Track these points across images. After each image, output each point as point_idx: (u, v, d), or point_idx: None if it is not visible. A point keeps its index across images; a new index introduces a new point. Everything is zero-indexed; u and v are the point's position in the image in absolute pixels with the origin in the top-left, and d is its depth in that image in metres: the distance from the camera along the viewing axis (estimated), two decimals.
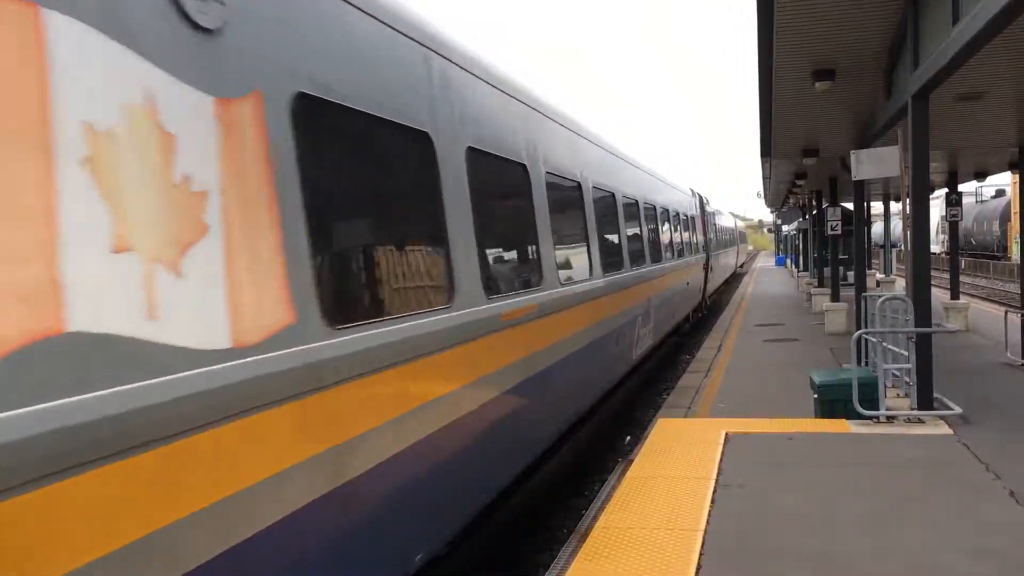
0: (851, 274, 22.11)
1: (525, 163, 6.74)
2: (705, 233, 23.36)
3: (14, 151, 2.22)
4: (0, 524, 2.10)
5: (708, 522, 5.68)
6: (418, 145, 4.75)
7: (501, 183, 6.41)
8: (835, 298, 18.27)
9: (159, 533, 2.56)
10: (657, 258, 13.56)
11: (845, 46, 8.88)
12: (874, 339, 9.90)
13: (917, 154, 8.41)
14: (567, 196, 8.18)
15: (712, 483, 6.56)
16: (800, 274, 35.05)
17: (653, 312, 12.75)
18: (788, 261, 52.34)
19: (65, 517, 2.27)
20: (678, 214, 17.32)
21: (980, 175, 20.35)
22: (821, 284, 23.11)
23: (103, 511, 2.38)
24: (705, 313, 24.29)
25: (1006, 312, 13.80)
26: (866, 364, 10.93)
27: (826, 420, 8.59)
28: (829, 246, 19.86)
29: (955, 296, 17.69)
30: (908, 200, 8.81)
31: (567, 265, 7.83)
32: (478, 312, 5.22)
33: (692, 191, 21.52)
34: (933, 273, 14.32)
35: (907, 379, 9.01)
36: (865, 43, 8.89)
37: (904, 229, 9.15)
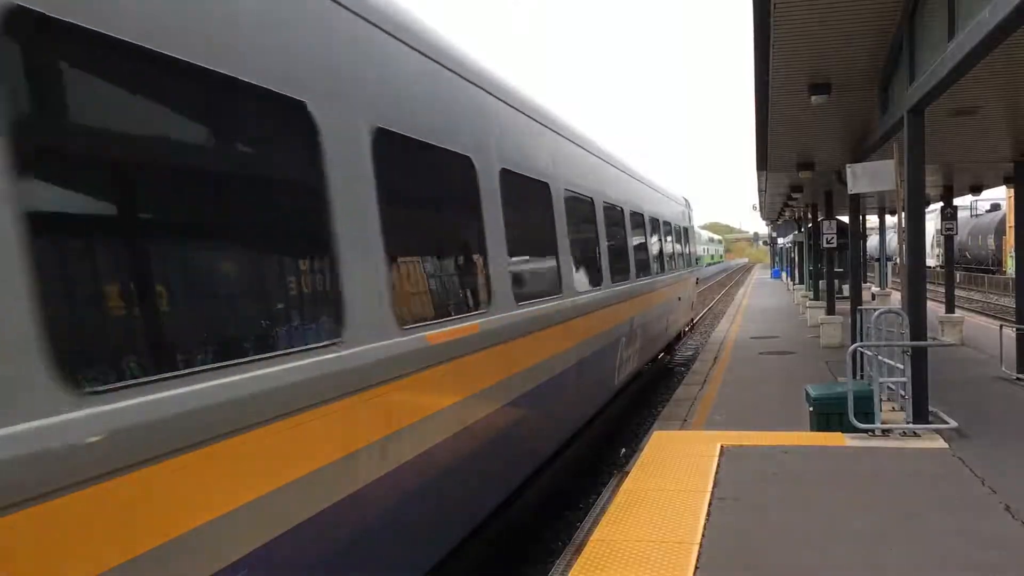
0: (846, 287, 22.17)
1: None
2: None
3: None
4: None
5: (704, 535, 5.66)
6: None
7: None
8: (830, 311, 18.28)
9: None
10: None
11: (841, 60, 8.92)
12: (869, 352, 9.90)
13: (912, 168, 8.44)
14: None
15: (708, 496, 6.53)
16: (795, 287, 35.08)
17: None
18: (784, 274, 52.43)
19: None
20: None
21: (975, 189, 20.39)
22: (816, 297, 23.14)
23: None
24: None
25: (1001, 326, 13.85)
26: (861, 377, 10.94)
27: (822, 433, 8.57)
28: (824, 259, 19.90)
29: (950, 310, 17.73)
30: (903, 214, 8.83)
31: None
32: None
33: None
34: (928, 286, 14.33)
35: (902, 392, 8.99)
36: (861, 57, 8.93)
37: (899, 243, 9.17)
